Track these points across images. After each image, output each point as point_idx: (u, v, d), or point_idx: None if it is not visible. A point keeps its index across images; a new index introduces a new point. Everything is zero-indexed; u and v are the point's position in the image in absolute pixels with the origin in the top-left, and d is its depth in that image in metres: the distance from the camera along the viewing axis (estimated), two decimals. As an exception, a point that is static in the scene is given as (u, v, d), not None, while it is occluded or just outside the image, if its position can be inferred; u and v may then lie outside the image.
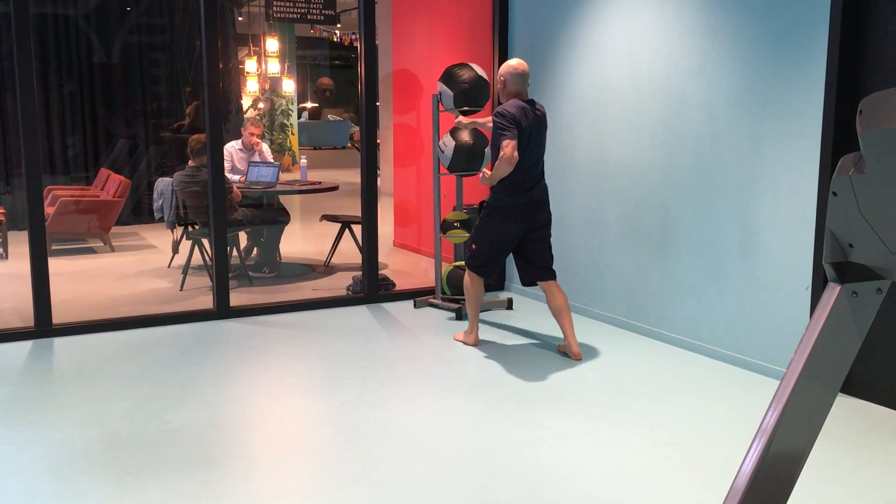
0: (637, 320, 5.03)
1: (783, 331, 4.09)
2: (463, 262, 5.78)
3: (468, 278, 4.71)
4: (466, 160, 5.46)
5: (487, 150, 5.53)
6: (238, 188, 6.64)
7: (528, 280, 4.68)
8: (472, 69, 5.49)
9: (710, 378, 4.20)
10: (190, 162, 6.44)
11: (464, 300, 5.65)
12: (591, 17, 5.22)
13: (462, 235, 5.63)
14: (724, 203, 4.36)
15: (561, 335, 4.63)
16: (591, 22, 5.23)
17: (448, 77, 5.50)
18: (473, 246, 4.65)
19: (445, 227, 5.67)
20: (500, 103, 4.65)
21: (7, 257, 7.71)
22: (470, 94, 5.46)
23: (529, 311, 5.62)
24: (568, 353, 4.56)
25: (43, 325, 4.91)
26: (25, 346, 4.76)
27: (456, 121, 5.44)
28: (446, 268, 5.80)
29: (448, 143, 5.47)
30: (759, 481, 1.41)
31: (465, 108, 5.50)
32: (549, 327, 5.19)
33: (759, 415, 3.59)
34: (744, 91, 4.21)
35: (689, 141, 4.55)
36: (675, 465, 3.14)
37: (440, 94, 5.56)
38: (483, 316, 5.48)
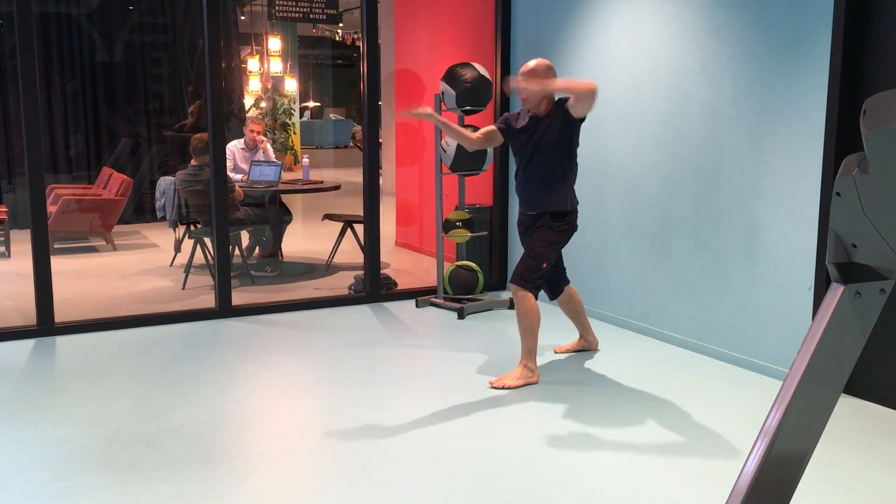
0: (639, 320, 5.02)
1: (786, 331, 4.08)
2: (467, 263, 5.78)
3: (531, 303, 4.01)
4: (469, 160, 5.46)
5: (490, 149, 5.53)
6: (240, 187, 6.64)
7: (561, 289, 4.42)
8: (475, 68, 5.49)
9: (711, 378, 4.19)
10: (192, 161, 6.45)
11: (466, 300, 5.65)
12: (594, 17, 5.21)
13: (464, 235, 5.63)
14: (727, 203, 4.35)
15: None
16: (593, 22, 5.22)
17: (451, 76, 5.50)
18: (545, 265, 4.02)
19: (447, 226, 5.67)
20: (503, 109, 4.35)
21: (10, 256, 7.71)
22: (472, 94, 5.45)
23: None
24: (590, 346, 4.64)
25: (45, 324, 4.91)
26: (28, 344, 4.76)
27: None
28: (448, 267, 5.80)
29: (450, 142, 5.47)
30: (761, 482, 1.41)
31: (468, 108, 5.50)
32: (550, 327, 5.18)
33: (761, 415, 3.58)
34: (746, 91, 4.20)
35: (691, 141, 4.54)
36: (677, 466, 3.14)
37: (443, 93, 5.56)
38: (485, 316, 5.48)
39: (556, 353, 4.60)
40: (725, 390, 4.02)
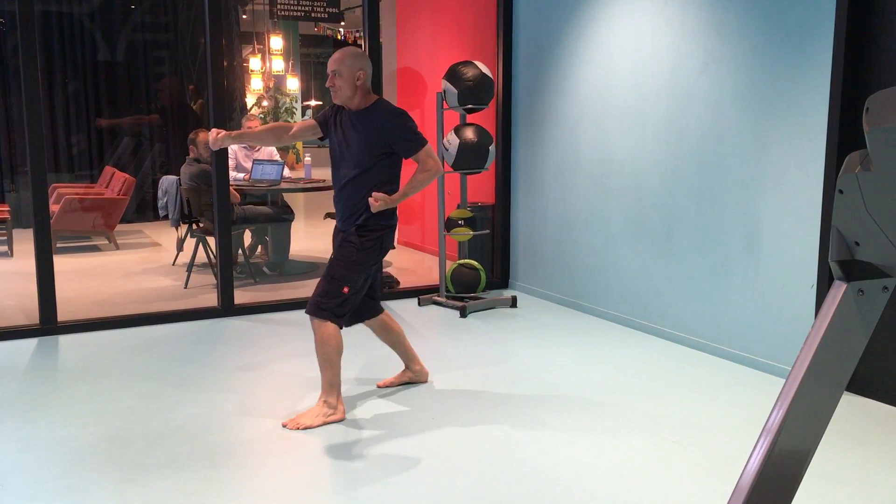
0: (641, 318, 5.02)
1: (788, 329, 4.08)
2: (470, 261, 5.78)
3: (328, 330, 3.46)
4: (471, 158, 5.46)
5: (492, 147, 5.53)
6: (243, 186, 6.64)
7: (371, 314, 3.80)
8: (477, 67, 5.49)
9: (713, 376, 4.19)
10: (191, 153, 6.47)
11: (468, 298, 5.65)
12: (596, 15, 5.21)
13: (466, 233, 5.63)
14: (729, 201, 4.35)
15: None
16: (595, 20, 5.22)
17: (452, 75, 5.50)
18: (346, 289, 3.46)
19: (450, 225, 5.67)
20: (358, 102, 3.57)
21: (12, 255, 7.72)
22: (474, 92, 5.45)
23: (533, 309, 5.61)
24: (418, 378, 4.05)
25: (48, 323, 4.92)
26: (31, 343, 4.77)
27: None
28: (450, 266, 5.80)
29: (452, 140, 5.47)
30: (764, 480, 1.40)
31: (470, 106, 5.50)
32: (553, 326, 5.19)
33: (763, 413, 3.58)
34: (748, 88, 4.19)
35: (694, 139, 4.54)
36: (679, 464, 3.14)
37: (444, 92, 5.56)
38: (487, 314, 5.48)
39: (378, 387, 3.99)
40: (728, 388, 4.01)
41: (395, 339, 3.93)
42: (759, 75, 4.14)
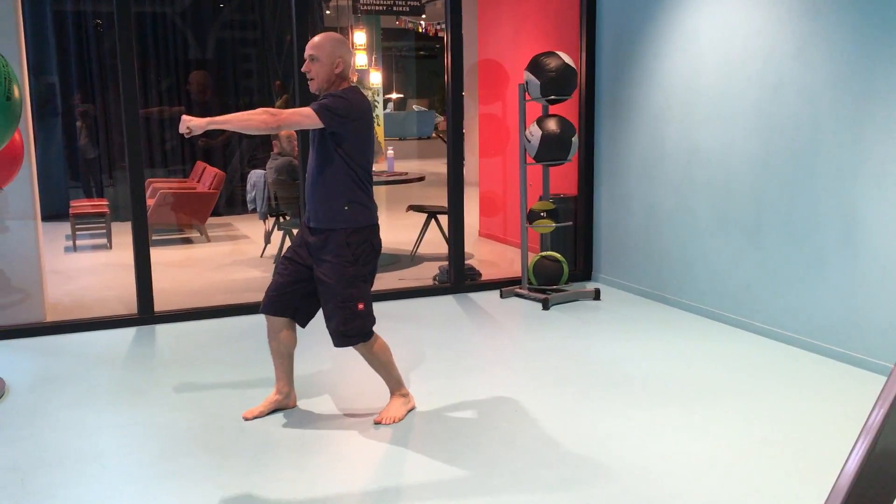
0: (729, 311, 4.90)
1: (888, 324, 3.91)
2: (552, 253, 5.75)
3: (370, 346, 3.46)
4: (553, 149, 5.42)
5: (574, 138, 5.48)
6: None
7: (305, 318, 3.56)
8: (560, 57, 5.44)
9: (807, 372, 4.06)
10: (275, 149, 6.64)
11: (551, 290, 5.63)
12: (682, 2, 5.09)
13: (549, 225, 5.60)
14: (823, 191, 4.19)
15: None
16: (681, 6, 5.10)
17: (535, 66, 5.47)
18: (360, 306, 3.35)
19: (532, 217, 5.65)
20: (344, 94, 3.26)
21: (111, 247, 8.07)
22: (557, 83, 5.41)
23: (617, 302, 5.54)
24: (289, 403, 3.68)
25: (146, 313, 5.13)
26: (129, 332, 4.98)
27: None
28: (533, 258, 5.78)
29: (535, 132, 5.44)
30: (863, 481, 1.36)
31: (553, 97, 5.46)
32: (638, 319, 5.11)
33: (860, 411, 3.45)
34: (846, 74, 4.03)
35: (786, 127, 4.39)
36: (770, 462, 3.05)
37: (527, 83, 5.53)
38: (570, 307, 5.44)
39: (245, 418, 3.55)
40: (823, 385, 3.88)
41: (289, 352, 3.61)
42: (856, 59, 3.97)
